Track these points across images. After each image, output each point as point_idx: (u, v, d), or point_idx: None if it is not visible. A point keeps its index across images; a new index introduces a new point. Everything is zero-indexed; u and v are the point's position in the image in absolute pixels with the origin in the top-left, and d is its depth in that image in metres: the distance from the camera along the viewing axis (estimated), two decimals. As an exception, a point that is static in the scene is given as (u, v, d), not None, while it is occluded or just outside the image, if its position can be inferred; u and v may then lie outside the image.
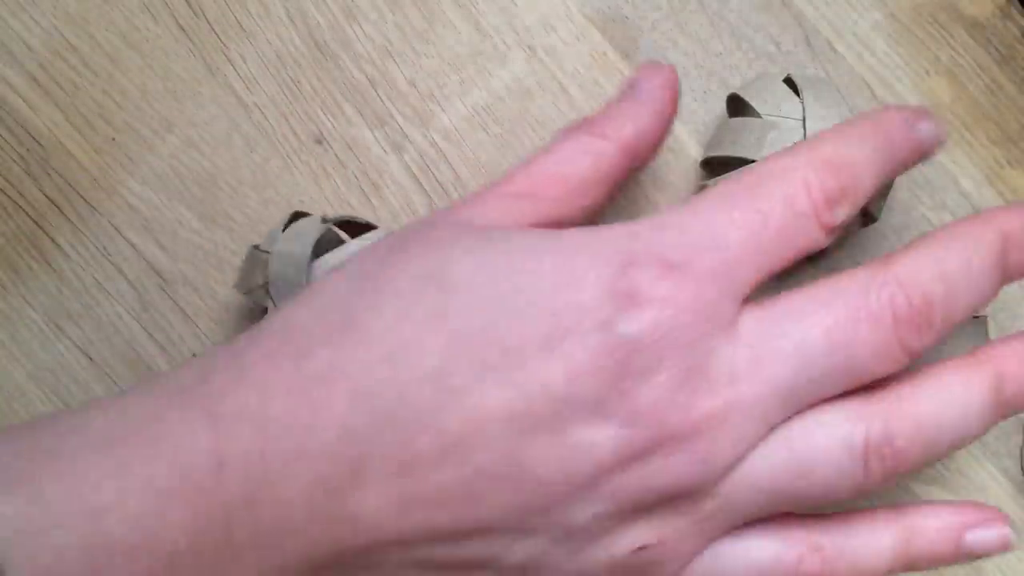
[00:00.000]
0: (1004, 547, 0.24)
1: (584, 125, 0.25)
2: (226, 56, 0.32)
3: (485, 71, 0.32)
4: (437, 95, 0.32)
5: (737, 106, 0.30)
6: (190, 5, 0.33)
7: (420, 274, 0.22)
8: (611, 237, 0.22)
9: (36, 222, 0.32)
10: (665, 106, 0.26)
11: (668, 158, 0.32)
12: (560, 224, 0.24)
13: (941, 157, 0.32)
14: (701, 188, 0.28)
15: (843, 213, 0.23)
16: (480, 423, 0.21)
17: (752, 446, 0.22)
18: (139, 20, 0.33)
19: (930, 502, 0.24)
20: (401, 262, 0.23)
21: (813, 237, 0.23)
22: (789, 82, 0.30)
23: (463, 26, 0.32)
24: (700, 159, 0.31)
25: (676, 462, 0.21)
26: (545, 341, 0.21)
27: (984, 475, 0.31)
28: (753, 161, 0.27)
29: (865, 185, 0.23)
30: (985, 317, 0.29)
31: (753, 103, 0.29)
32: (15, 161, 0.32)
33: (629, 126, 0.25)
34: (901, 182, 0.32)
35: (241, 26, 0.32)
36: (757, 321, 0.22)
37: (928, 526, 0.24)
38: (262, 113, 0.32)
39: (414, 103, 0.32)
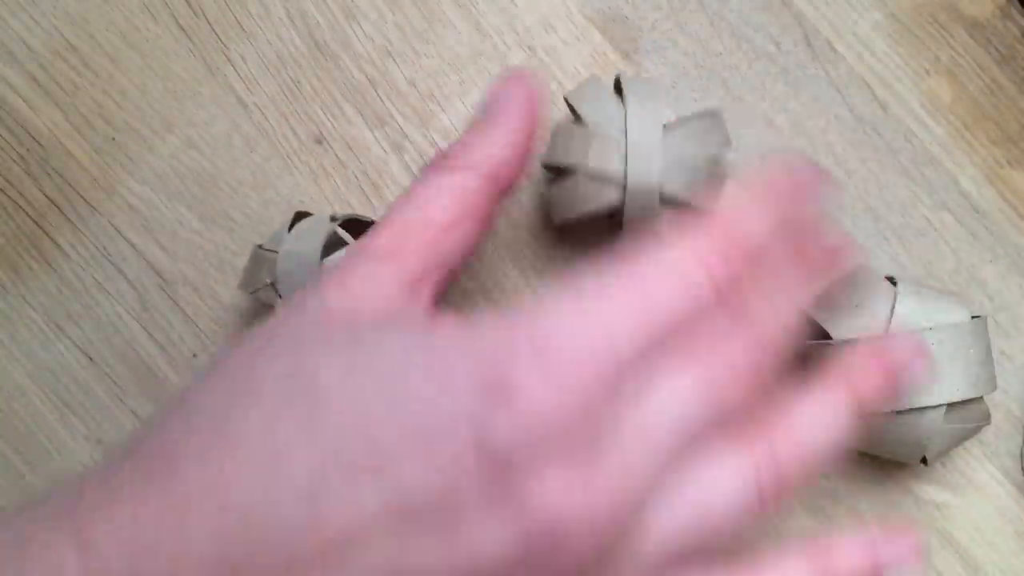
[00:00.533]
0: None
1: (441, 159, 0.24)
2: (226, 56, 0.32)
3: (485, 71, 0.32)
4: (437, 95, 0.32)
5: (571, 109, 0.30)
6: (190, 5, 0.33)
7: (287, 376, 0.22)
8: (482, 330, 0.22)
9: (36, 222, 0.32)
10: (525, 122, 0.25)
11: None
12: (429, 273, 0.24)
13: (941, 157, 0.32)
14: (547, 190, 0.28)
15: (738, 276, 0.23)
16: (359, 527, 0.20)
17: (651, 501, 0.22)
18: (139, 20, 0.33)
19: (840, 539, 0.25)
20: (267, 363, 0.22)
21: (705, 302, 0.22)
22: (618, 83, 0.30)
23: (463, 26, 0.32)
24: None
25: (584, 543, 0.21)
26: (419, 441, 0.20)
27: (984, 475, 0.31)
28: (581, 166, 0.28)
29: (759, 241, 0.23)
30: (984, 318, 0.29)
31: (580, 109, 0.29)
32: (15, 161, 0.32)
33: (488, 151, 0.24)
34: (901, 182, 0.32)
35: (241, 26, 0.32)
36: (633, 388, 0.22)
37: (840, 568, 0.24)
38: (262, 113, 0.32)
39: (414, 103, 0.32)
